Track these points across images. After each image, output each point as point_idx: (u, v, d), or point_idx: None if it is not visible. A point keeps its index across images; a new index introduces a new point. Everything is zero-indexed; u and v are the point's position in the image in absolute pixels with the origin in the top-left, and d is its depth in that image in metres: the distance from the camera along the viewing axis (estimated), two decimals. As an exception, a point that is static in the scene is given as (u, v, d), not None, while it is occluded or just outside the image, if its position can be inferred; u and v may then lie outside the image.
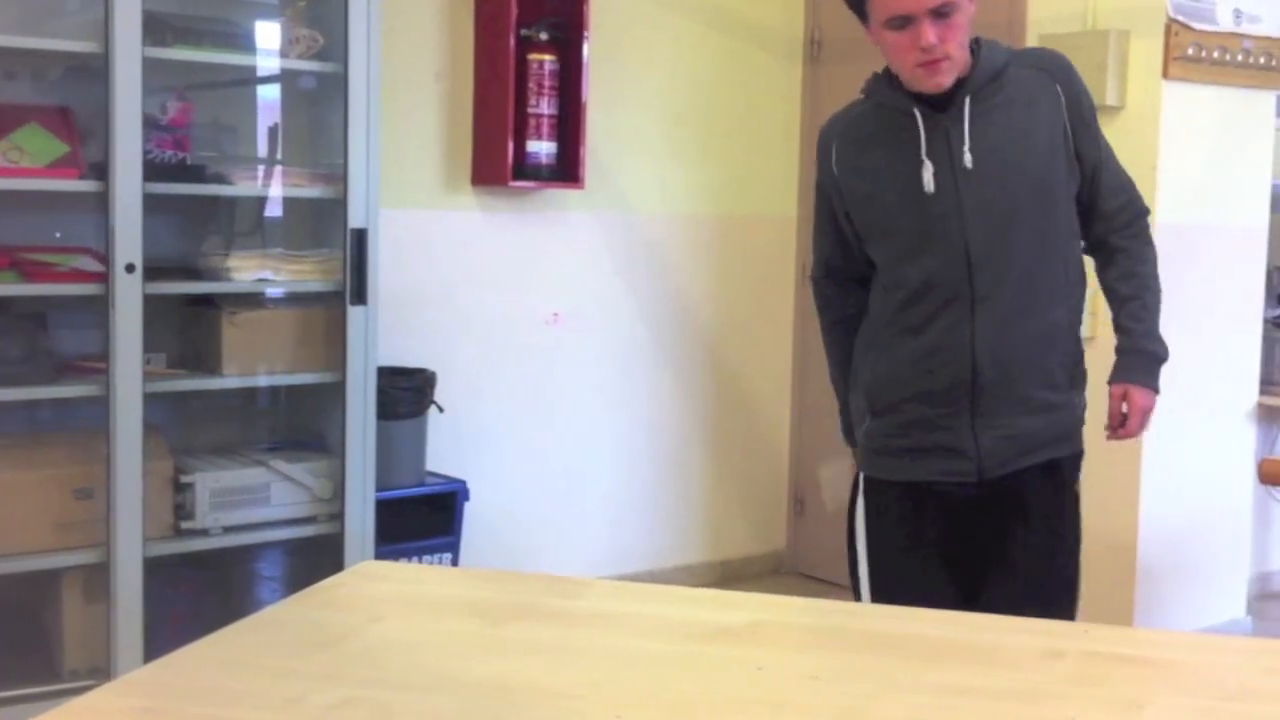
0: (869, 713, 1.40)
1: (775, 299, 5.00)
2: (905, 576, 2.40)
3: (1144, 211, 2.50)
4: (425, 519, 3.93)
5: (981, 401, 2.35)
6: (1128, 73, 3.96)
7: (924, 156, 2.33)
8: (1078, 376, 2.45)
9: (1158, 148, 3.93)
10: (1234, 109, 4.12)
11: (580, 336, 4.54)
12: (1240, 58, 4.12)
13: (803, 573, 5.04)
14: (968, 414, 2.35)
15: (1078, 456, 2.47)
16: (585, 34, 4.19)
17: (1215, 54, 4.05)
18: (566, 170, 4.24)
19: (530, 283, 4.41)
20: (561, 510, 4.55)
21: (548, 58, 4.15)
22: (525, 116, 4.14)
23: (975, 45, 2.37)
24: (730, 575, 4.93)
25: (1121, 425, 2.45)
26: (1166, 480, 4.09)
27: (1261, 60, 4.18)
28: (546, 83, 4.15)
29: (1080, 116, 2.40)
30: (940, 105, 2.34)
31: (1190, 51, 3.95)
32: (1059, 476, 2.43)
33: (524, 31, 4.12)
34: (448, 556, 3.96)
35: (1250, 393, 4.35)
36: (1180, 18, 3.97)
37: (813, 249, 2.61)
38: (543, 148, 4.17)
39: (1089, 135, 2.42)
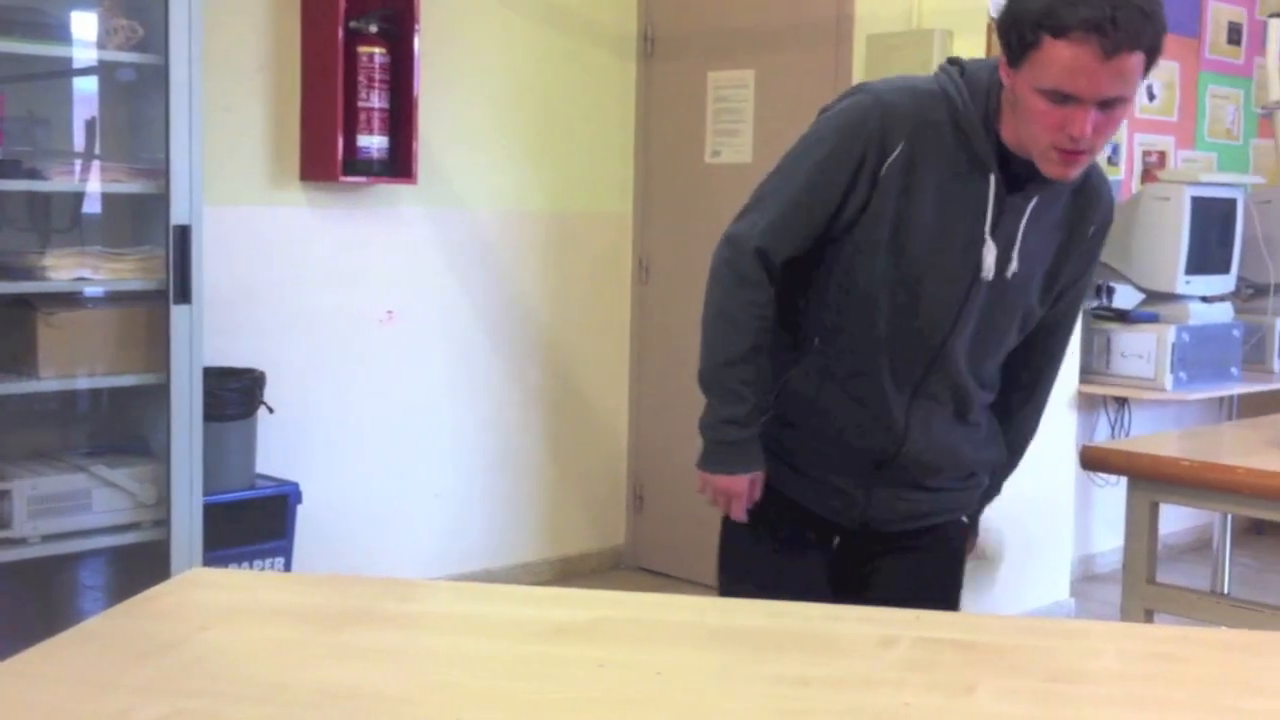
0: (710, 707, 1.40)
1: (612, 295, 5.01)
2: (761, 571, 2.24)
3: (1052, 381, 2.33)
4: (255, 523, 3.84)
5: (885, 472, 2.18)
6: (951, 71, 4.07)
7: (988, 234, 2.03)
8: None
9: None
10: (1052, 107, 4.26)
11: (415, 334, 4.48)
12: (1057, 58, 4.25)
13: (642, 567, 5.07)
14: (867, 484, 2.19)
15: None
16: (416, 27, 4.14)
17: (1033, 54, 4.17)
18: (398, 165, 4.19)
19: (362, 280, 4.34)
20: (397, 511, 4.49)
21: (378, 50, 4.09)
22: (355, 110, 4.07)
23: None
24: (569, 572, 4.93)
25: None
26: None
27: (1077, 60, 4.32)
28: (377, 76, 4.09)
29: (1083, 261, 2.17)
30: (1012, 181, 2.02)
31: (1010, 51, 4.08)
32: (945, 532, 2.30)
33: (353, 23, 4.06)
34: (279, 561, 3.88)
35: (1071, 381, 4.50)
36: (1000, 18, 4.09)
37: (765, 214, 2.09)
38: (374, 142, 4.10)
39: (1077, 284, 2.20)
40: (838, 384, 2.14)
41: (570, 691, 1.43)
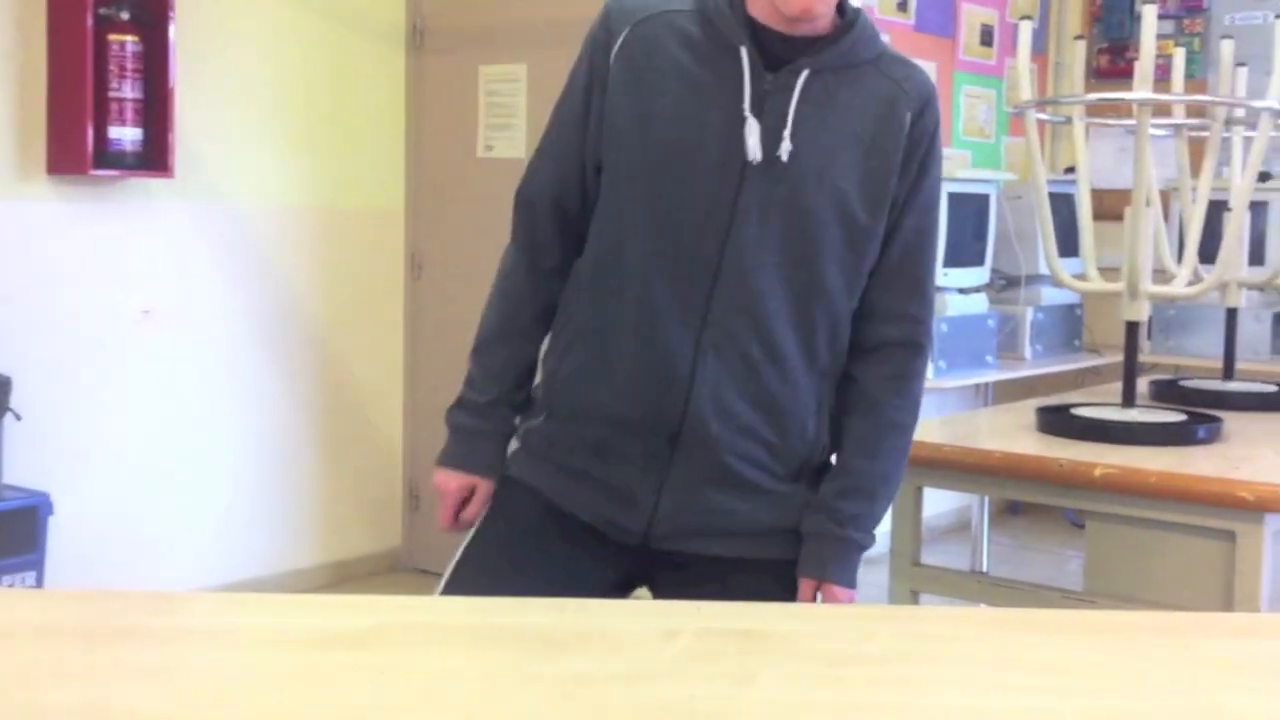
0: (495, 709, 1.38)
1: (383, 292, 4.93)
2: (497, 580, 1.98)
3: (923, 348, 1.95)
4: (3, 537, 3.66)
5: (680, 454, 1.87)
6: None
7: (747, 112, 1.81)
8: (809, 471, 1.95)
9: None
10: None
11: (175, 334, 4.32)
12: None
13: (420, 569, 5.00)
14: (658, 464, 1.88)
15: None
16: (170, 14, 3.99)
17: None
18: (153, 158, 4.03)
19: (117, 278, 4.16)
20: (161, 520, 4.32)
21: (130, 38, 3.93)
22: (106, 101, 3.90)
23: (853, 16, 1.87)
24: (346, 576, 4.83)
25: None
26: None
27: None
28: (129, 65, 3.93)
29: (914, 166, 1.89)
30: (772, 61, 1.83)
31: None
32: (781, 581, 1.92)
33: (102, 10, 3.89)
34: (30, 576, 3.70)
35: (837, 372, 4.61)
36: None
37: (536, 161, 1.97)
38: (126, 134, 3.94)
39: (915, 197, 1.90)
40: (612, 341, 1.87)
41: (351, 701, 1.39)
